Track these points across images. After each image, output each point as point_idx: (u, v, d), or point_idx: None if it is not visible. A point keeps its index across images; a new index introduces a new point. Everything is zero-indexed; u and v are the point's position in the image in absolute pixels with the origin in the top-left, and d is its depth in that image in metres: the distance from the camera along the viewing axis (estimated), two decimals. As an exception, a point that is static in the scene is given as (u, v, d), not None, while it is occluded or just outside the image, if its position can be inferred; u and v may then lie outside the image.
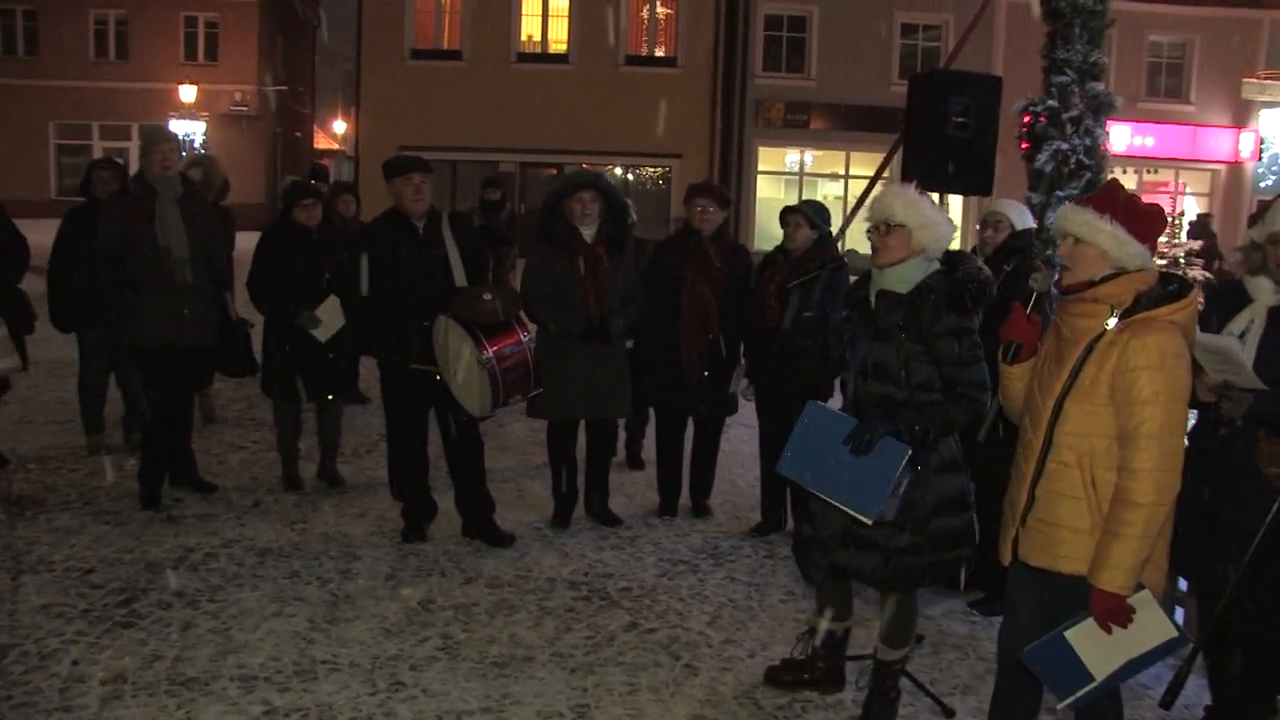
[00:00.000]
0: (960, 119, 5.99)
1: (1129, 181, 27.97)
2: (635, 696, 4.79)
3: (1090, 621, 3.48)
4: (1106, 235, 3.52)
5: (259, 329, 7.48)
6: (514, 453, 8.73)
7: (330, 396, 7.55)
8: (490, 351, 6.04)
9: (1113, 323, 3.50)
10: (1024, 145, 10.14)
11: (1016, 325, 3.80)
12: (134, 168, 7.52)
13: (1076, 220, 3.59)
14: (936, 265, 4.36)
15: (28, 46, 36.52)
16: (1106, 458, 3.48)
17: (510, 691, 4.77)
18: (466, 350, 6.10)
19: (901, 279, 4.31)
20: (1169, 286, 3.52)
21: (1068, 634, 3.52)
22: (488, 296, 6.21)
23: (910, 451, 4.13)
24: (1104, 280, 3.54)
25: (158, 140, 7.04)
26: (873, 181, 14.45)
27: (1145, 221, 3.58)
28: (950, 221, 4.45)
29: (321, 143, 51.39)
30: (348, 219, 9.66)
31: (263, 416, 9.05)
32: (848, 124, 28.33)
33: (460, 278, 6.39)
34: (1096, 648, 3.50)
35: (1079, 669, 3.53)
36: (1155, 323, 3.46)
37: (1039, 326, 3.81)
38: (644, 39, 29.60)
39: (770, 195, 29.03)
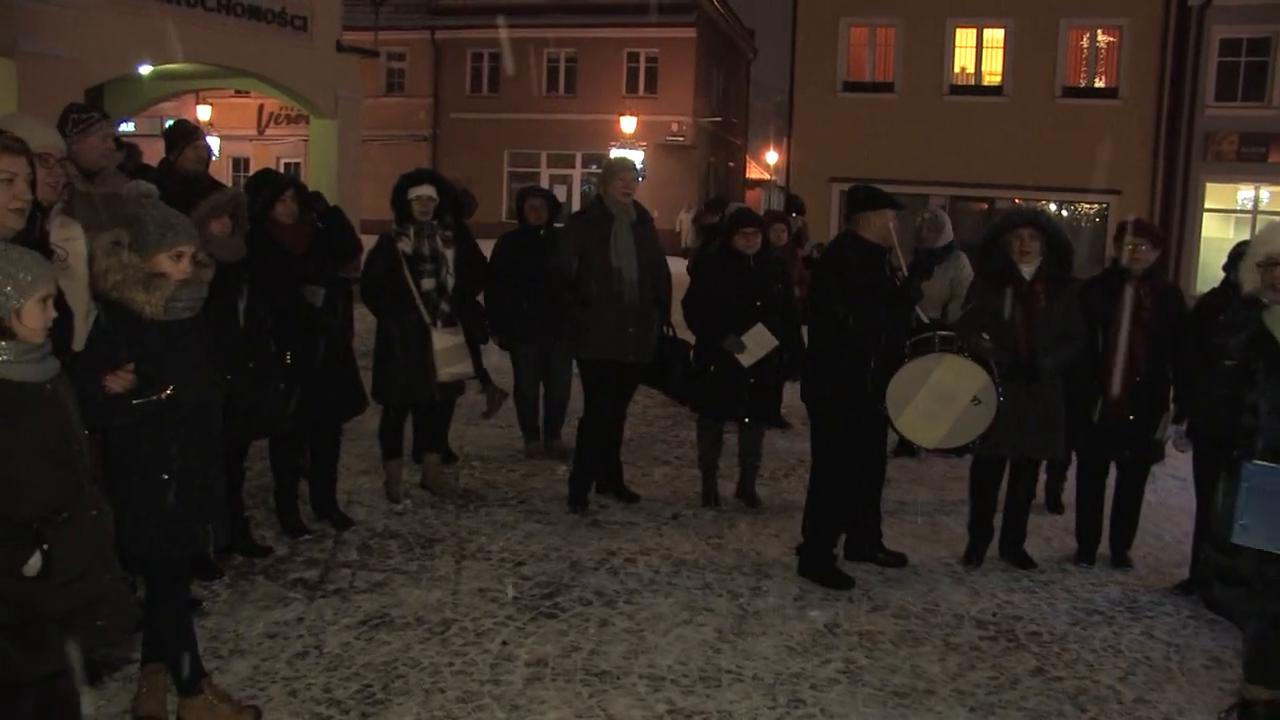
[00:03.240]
0: None
1: None
2: (1038, 743, 4.67)
3: None
4: None
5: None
6: (931, 487, 8.63)
7: (746, 420, 7.70)
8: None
9: None
10: None
11: None
12: (574, 194, 8.09)
13: None
14: None
15: (491, 84, 40.22)
16: None
17: (909, 722, 4.76)
18: (962, 385, 6.14)
19: None
20: None
21: None
22: (986, 335, 6.29)
23: None
24: None
25: (619, 169, 7.54)
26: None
27: None
28: None
29: (753, 172, 52.73)
30: (779, 248, 9.90)
31: (687, 435, 9.42)
32: (1314, 157, 25.96)
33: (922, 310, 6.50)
34: None
35: None
36: None
37: None
38: (1083, 69, 28.47)
39: (1217, 235, 27.02)
